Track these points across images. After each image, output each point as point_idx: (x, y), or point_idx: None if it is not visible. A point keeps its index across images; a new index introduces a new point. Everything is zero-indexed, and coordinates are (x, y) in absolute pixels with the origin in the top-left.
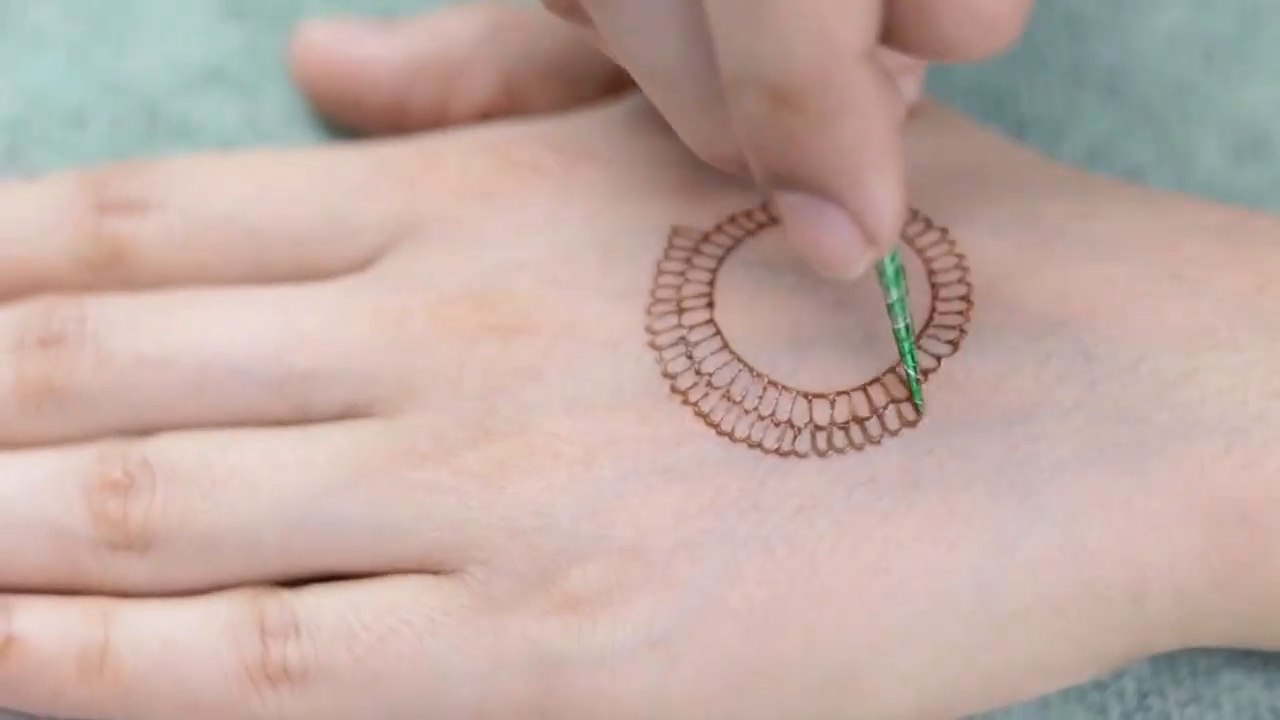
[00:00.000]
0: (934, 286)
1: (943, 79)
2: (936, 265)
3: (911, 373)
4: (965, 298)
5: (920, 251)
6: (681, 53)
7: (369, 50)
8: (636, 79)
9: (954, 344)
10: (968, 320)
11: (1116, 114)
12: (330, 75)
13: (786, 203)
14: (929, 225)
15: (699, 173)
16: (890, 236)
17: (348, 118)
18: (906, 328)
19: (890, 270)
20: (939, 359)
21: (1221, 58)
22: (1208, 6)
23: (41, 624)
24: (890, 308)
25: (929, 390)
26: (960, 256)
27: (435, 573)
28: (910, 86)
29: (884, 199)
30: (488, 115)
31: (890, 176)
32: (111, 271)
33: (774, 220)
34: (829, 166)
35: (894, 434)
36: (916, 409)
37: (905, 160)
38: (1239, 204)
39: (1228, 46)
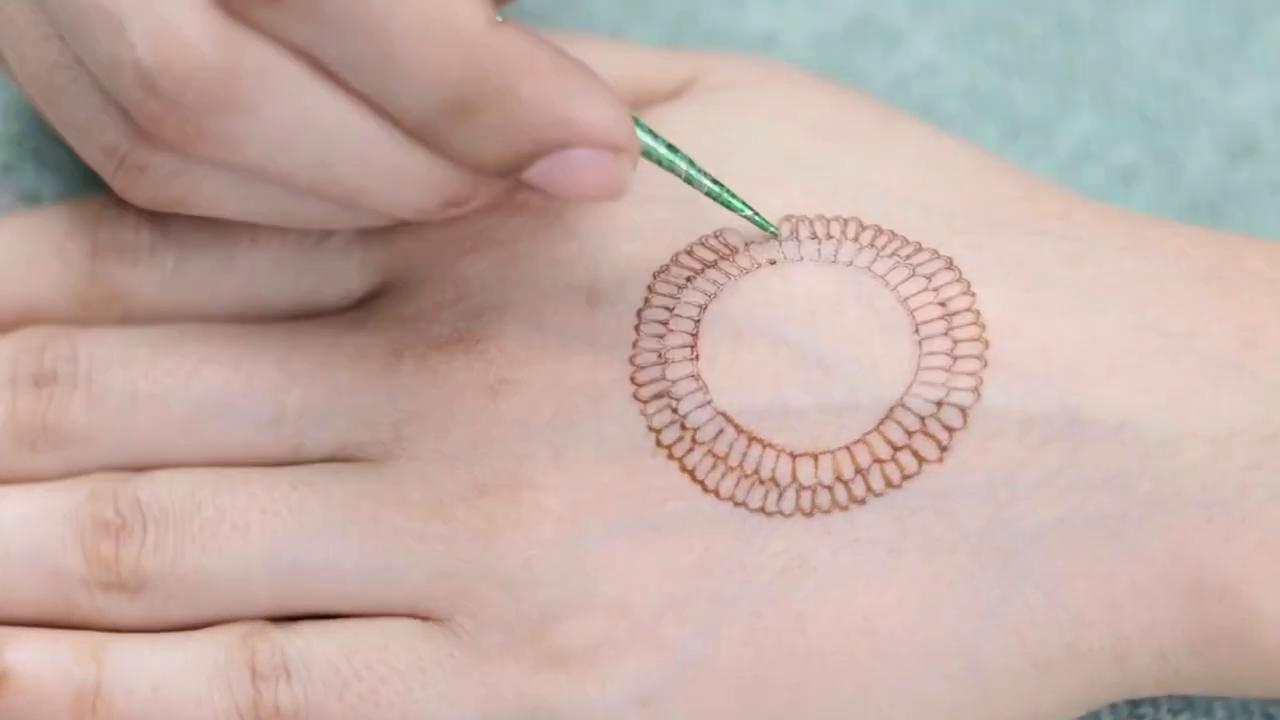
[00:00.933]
0: (919, 339)
1: (931, 80)
2: (921, 316)
3: (750, 211)
4: (949, 353)
5: (904, 300)
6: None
7: None
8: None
9: (939, 403)
10: (952, 377)
11: (1108, 115)
12: None
13: (536, 176)
14: (928, 258)
15: (680, 210)
16: (627, 136)
17: None
18: (716, 182)
19: (675, 159)
20: (922, 419)
21: (1213, 59)
22: (1199, 8)
23: (35, 659)
24: (689, 181)
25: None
26: (944, 305)
27: (425, 618)
28: None
29: (596, 111)
30: None
31: (585, 92)
32: (106, 309)
33: (757, 265)
34: (538, 120)
35: (878, 495)
36: (774, 233)
37: (584, 70)
38: (1230, 224)
39: (1219, 48)
